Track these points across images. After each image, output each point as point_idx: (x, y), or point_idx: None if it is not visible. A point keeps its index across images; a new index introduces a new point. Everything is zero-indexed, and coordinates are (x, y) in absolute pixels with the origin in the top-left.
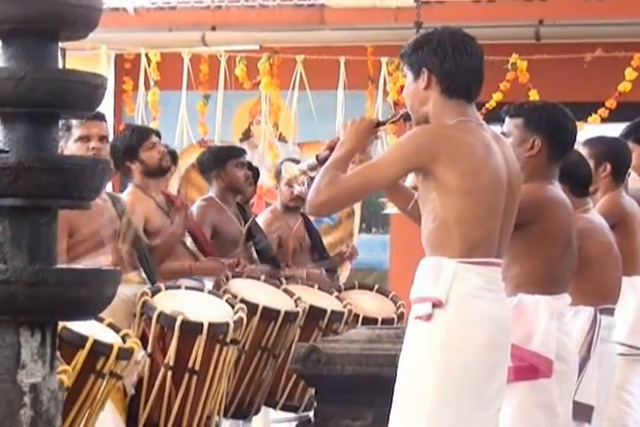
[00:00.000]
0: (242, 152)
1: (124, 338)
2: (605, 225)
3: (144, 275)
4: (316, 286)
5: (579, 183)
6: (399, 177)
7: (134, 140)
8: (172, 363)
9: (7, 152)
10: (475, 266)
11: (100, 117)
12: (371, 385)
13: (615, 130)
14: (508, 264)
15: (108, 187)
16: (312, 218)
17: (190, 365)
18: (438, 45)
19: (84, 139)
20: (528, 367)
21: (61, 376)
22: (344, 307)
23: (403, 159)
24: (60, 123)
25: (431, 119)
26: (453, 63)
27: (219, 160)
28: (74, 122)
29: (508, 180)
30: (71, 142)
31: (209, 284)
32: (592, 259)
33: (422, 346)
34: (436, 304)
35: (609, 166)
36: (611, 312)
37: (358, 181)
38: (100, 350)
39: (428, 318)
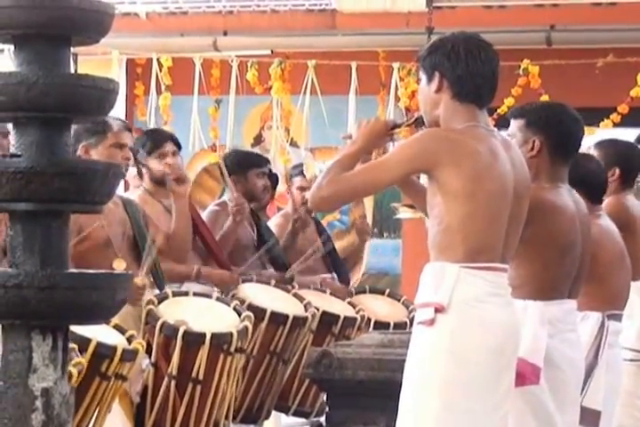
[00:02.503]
0: (265, 162)
1: (129, 339)
2: (616, 230)
3: (152, 279)
4: (328, 292)
5: (595, 191)
6: (402, 178)
7: (147, 146)
8: (175, 373)
9: (19, 156)
10: (478, 271)
11: (130, 130)
12: (382, 390)
13: (627, 135)
14: None
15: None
16: (324, 223)
17: (194, 375)
18: (452, 50)
19: (120, 146)
20: (516, 374)
21: (72, 369)
22: (357, 313)
23: (406, 161)
24: (94, 123)
25: (441, 123)
26: (465, 68)
27: (241, 166)
28: (114, 126)
29: (515, 187)
30: (104, 146)
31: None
32: (602, 265)
33: (426, 351)
34: (438, 309)
35: (618, 171)
36: (618, 318)
37: (360, 180)
38: (104, 352)
39: (431, 323)
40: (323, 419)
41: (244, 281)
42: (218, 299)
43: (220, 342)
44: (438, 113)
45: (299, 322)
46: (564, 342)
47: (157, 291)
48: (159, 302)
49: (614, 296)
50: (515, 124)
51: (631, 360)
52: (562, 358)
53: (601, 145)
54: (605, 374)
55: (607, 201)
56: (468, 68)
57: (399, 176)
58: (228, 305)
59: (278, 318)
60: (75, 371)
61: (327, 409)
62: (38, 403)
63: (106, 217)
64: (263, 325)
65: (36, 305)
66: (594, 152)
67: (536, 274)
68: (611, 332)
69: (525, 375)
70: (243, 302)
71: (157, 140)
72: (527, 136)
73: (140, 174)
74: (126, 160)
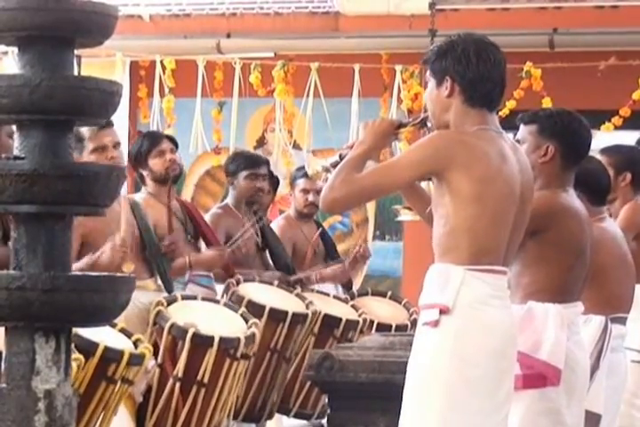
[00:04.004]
0: (258, 163)
1: (135, 343)
2: (620, 234)
3: (160, 282)
4: (331, 295)
5: (597, 192)
6: (413, 180)
7: (144, 147)
8: (180, 375)
9: (23, 159)
10: (482, 273)
11: (110, 124)
12: (384, 392)
13: (629, 138)
14: (519, 272)
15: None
16: (326, 225)
17: (199, 377)
18: (462, 54)
19: (100, 149)
20: (536, 376)
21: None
22: (359, 316)
23: (418, 163)
24: (74, 137)
25: (452, 127)
26: (477, 72)
27: (233, 168)
28: (85, 133)
29: (521, 190)
30: (86, 154)
31: (219, 288)
32: (605, 268)
33: (430, 352)
34: (443, 311)
35: (629, 176)
36: (622, 321)
37: (372, 182)
38: (111, 356)
39: (435, 324)
40: (324, 421)
41: (245, 281)
42: (225, 305)
43: (228, 346)
44: (448, 117)
45: (299, 319)
46: (575, 344)
47: (165, 294)
48: (168, 305)
49: (617, 299)
50: (526, 130)
51: (635, 362)
52: (574, 360)
53: (609, 151)
54: (608, 377)
55: (624, 209)
56: (479, 72)
57: (412, 178)
58: (236, 311)
59: (277, 315)
60: (74, 365)
61: (328, 411)
62: (41, 405)
63: (112, 219)
64: (262, 321)
65: (39, 307)
66: (601, 158)
67: (554, 278)
68: (614, 335)
69: (547, 377)
70: (242, 299)
71: (154, 139)
72: (540, 142)
73: (140, 177)
74: (112, 160)
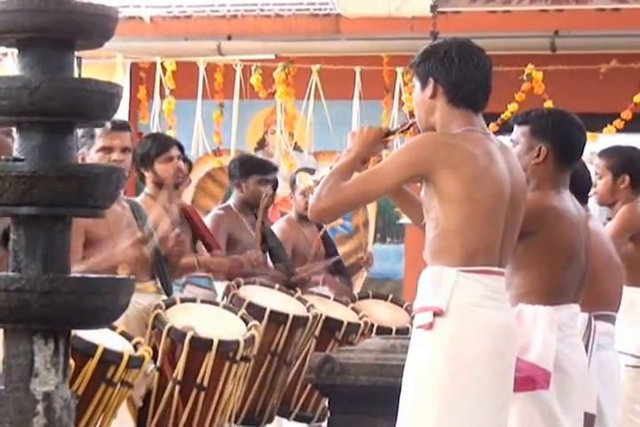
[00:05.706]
0: (269, 169)
1: (136, 346)
2: (606, 234)
3: (160, 285)
4: (332, 297)
5: (583, 192)
6: (399, 185)
7: (152, 150)
8: (180, 378)
9: (22, 161)
10: (475, 274)
11: (124, 127)
12: (385, 395)
13: (631, 141)
14: (511, 274)
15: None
16: (327, 228)
17: (199, 381)
18: (445, 56)
19: (106, 150)
20: (525, 378)
21: None
22: (360, 319)
23: (403, 167)
24: (84, 130)
25: (437, 129)
26: (459, 74)
27: (243, 171)
28: (97, 130)
29: (512, 191)
30: (93, 151)
31: (220, 288)
32: (592, 268)
33: (425, 355)
34: (437, 313)
35: (627, 178)
36: (609, 319)
37: (358, 190)
38: (110, 358)
39: (430, 326)
40: (324, 424)
41: (246, 284)
42: (225, 307)
43: (227, 349)
44: (434, 119)
45: (299, 322)
46: (569, 347)
47: (165, 297)
48: (167, 308)
49: (602, 297)
50: (519, 131)
51: (633, 366)
52: (568, 363)
53: (606, 153)
54: (599, 376)
55: (621, 210)
56: (461, 73)
57: (397, 183)
58: (236, 313)
59: (278, 318)
60: None
61: (329, 414)
62: (40, 407)
63: (113, 220)
64: (263, 324)
65: (38, 309)
66: (599, 161)
67: (544, 280)
68: (600, 332)
69: (536, 380)
70: (242, 301)
71: (164, 144)
72: (533, 143)
73: (141, 178)
74: (115, 163)
